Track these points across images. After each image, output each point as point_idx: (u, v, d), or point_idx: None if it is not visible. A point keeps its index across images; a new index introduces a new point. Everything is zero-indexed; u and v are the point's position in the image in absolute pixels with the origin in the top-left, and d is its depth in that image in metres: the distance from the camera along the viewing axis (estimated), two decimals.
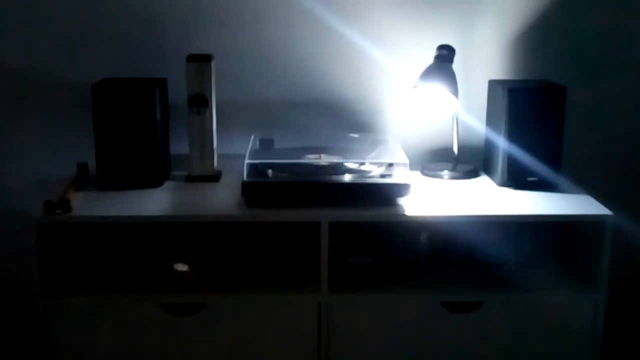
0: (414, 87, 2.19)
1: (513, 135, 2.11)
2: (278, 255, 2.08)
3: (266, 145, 2.20)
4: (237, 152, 2.12)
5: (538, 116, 2.10)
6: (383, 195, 1.95)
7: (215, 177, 2.17)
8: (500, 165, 2.14)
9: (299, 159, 2.06)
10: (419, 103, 2.28)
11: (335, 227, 1.92)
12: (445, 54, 2.19)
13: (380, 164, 2.03)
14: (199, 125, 2.14)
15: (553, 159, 2.11)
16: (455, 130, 2.25)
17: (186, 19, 2.28)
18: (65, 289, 1.97)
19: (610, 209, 1.93)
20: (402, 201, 1.96)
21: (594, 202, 2.00)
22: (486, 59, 2.33)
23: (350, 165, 2.03)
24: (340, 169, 2.01)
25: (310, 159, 2.07)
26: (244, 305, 1.96)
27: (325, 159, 2.07)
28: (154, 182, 2.10)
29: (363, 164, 2.04)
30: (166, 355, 1.97)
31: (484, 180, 2.23)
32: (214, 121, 2.17)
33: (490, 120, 2.24)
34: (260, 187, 1.93)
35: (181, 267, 2.01)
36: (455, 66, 2.19)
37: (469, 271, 2.08)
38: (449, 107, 2.24)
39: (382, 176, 1.98)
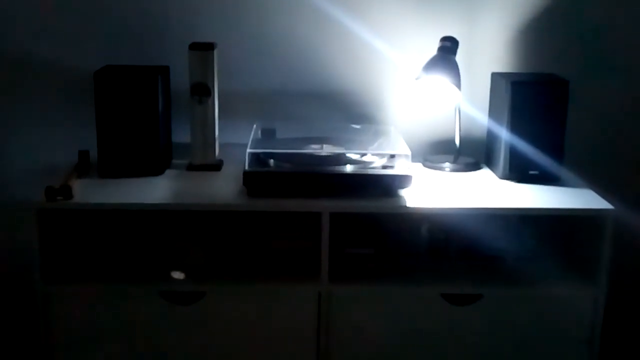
0: (417, 78, 2.18)
1: (515, 128, 2.10)
2: (279, 245, 2.08)
3: (268, 135, 2.20)
4: (239, 141, 2.12)
5: (541, 109, 2.10)
6: (384, 186, 1.94)
7: (216, 166, 2.17)
8: (502, 158, 2.13)
9: (301, 149, 2.06)
10: (422, 94, 2.28)
11: (337, 217, 1.92)
12: (449, 46, 2.18)
13: (382, 155, 2.03)
14: (201, 114, 2.14)
15: (555, 153, 2.11)
16: (457, 123, 2.25)
17: (189, 7, 2.27)
18: (66, 277, 1.97)
19: (612, 203, 1.93)
20: (404, 193, 1.96)
21: (596, 197, 2.00)
22: (489, 51, 2.33)
23: (352, 156, 2.03)
24: (342, 160, 2.01)
25: (312, 149, 2.07)
26: (243, 294, 1.96)
27: (327, 150, 2.07)
28: (156, 170, 2.10)
29: (365, 154, 2.04)
30: (166, 343, 1.97)
31: (485, 172, 2.23)
32: (216, 110, 2.16)
33: (493, 113, 2.24)
34: (262, 177, 1.93)
35: (178, 275, 2.00)
36: (459, 58, 2.19)
37: (469, 263, 2.08)
38: (451, 99, 2.24)
39: (384, 167, 1.98)
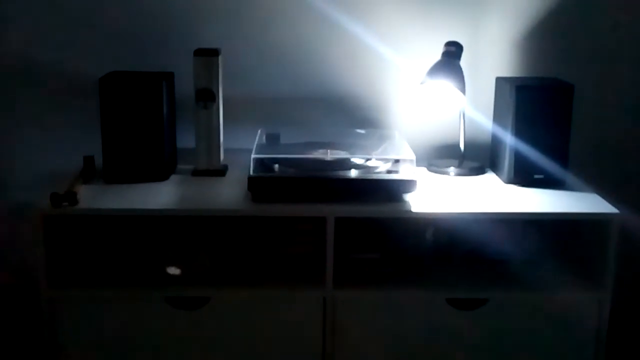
0: (421, 83, 2.18)
1: (520, 132, 2.10)
2: (284, 250, 2.08)
3: (273, 140, 2.20)
4: (243, 146, 2.13)
5: (545, 114, 2.10)
6: (389, 191, 1.94)
7: (221, 171, 2.17)
8: (506, 162, 2.13)
9: (306, 154, 2.06)
10: (426, 99, 2.29)
11: (341, 222, 1.92)
12: (453, 51, 2.19)
13: (386, 160, 2.03)
14: (205, 120, 2.14)
15: (560, 157, 2.11)
16: (462, 127, 2.25)
17: (194, 13, 2.28)
18: (71, 282, 1.97)
19: (617, 207, 1.93)
20: (408, 197, 1.96)
21: (601, 201, 2.00)
22: (494, 55, 2.33)
23: (357, 160, 2.03)
24: (346, 165, 2.01)
25: (317, 154, 2.07)
26: (248, 299, 1.96)
27: (331, 155, 2.07)
28: (160, 175, 2.10)
29: (369, 159, 2.04)
30: (170, 348, 1.97)
31: (490, 177, 2.23)
32: (221, 115, 2.17)
33: (497, 117, 2.24)
34: (267, 182, 1.93)
35: (173, 270, 1.99)
36: (463, 63, 2.19)
37: (474, 268, 2.08)
38: (456, 103, 2.24)
39: (389, 172, 1.98)
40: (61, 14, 2.27)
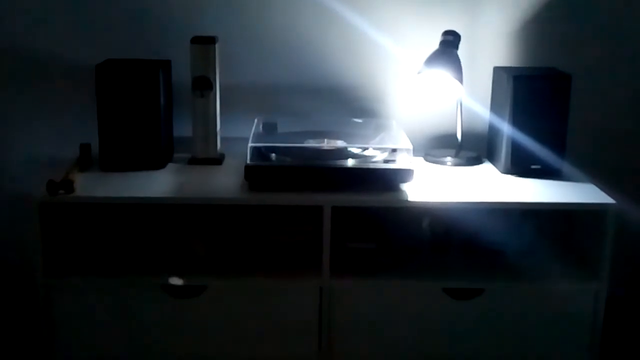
0: (419, 72, 2.18)
1: (517, 122, 2.10)
2: (280, 239, 2.08)
3: (270, 129, 2.20)
4: (240, 135, 2.12)
5: (543, 104, 2.10)
6: (386, 180, 1.94)
7: (218, 160, 2.17)
8: (503, 152, 2.13)
9: (303, 143, 2.06)
10: (424, 89, 2.28)
11: (338, 211, 1.92)
12: (451, 40, 2.18)
13: (383, 149, 2.03)
14: (202, 108, 2.14)
15: (557, 147, 2.11)
16: (459, 117, 2.25)
17: (191, 1, 2.27)
18: (67, 270, 1.97)
19: (613, 197, 1.93)
20: (405, 187, 1.96)
21: (597, 191, 2.00)
22: (491, 45, 2.33)
23: (354, 150, 2.03)
24: (343, 154, 2.01)
25: (314, 143, 2.07)
26: (245, 288, 1.96)
27: (328, 144, 2.07)
28: (157, 164, 2.10)
29: (366, 149, 2.04)
30: (167, 336, 1.97)
31: (487, 167, 2.23)
32: (218, 104, 2.16)
33: (495, 107, 2.24)
34: (264, 171, 1.93)
35: (175, 280, 1.98)
36: (461, 52, 2.19)
37: (471, 258, 2.08)
38: (453, 93, 2.24)
39: (386, 161, 1.98)
40: (57, 1, 2.26)
